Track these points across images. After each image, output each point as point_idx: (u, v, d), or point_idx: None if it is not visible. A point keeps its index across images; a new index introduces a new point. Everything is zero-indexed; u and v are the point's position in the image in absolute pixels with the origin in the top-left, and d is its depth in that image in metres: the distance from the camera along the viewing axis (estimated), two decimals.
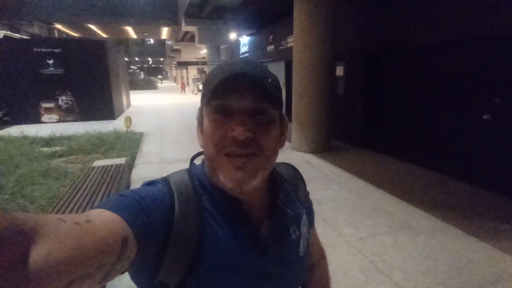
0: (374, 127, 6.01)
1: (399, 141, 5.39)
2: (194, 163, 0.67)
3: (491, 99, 3.86)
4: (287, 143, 6.23)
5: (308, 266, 0.81)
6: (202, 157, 0.64)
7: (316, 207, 0.78)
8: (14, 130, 7.61)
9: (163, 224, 0.50)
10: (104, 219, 0.42)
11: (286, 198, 0.66)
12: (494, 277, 2.30)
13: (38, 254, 0.31)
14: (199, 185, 0.58)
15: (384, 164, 5.13)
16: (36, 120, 9.54)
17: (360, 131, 6.22)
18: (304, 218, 0.69)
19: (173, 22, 16.82)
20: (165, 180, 0.57)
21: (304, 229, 0.67)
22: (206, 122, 0.55)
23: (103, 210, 0.44)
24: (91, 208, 0.47)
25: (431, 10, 4.41)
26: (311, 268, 0.83)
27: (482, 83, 3.96)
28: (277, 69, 9.73)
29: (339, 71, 6.49)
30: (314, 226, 0.82)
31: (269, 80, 0.54)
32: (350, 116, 6.40)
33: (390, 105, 5.60)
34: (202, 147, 0.59)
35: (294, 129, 5.97)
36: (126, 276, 0.53)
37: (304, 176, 0.77)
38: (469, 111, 4.15)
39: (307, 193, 0.76)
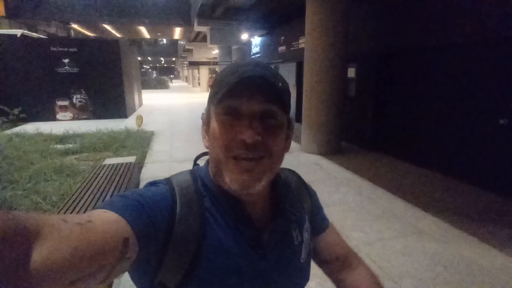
0: (385, 130, 5.92)
1: (410, 145, 5.29)
2: (198, 164, 0.67)
3: (508, 104, 3.76)
4: (297, 145, 6.20)
5: (337, 267, 0.75)
6: (205, 157, 0.64)
7: (324, 210, 0.77)
8: (30, 127, 7.80)
9: (164, 224, 0.50)
10: (105, 219, 0.42)
11: (289, 202, 0.65)
12: (507, 285, 2.24)
13: (40, 254, 0.32)
14: (202, 186, 0.58)
15: (395, 167, 5.04)
16: (51, 117, 9.80)
17: (370, 134, 6.14)
18: (307, 224, 0.68)
19: (185, 22, 16.96)
20: (168, 181, 0.58)
21: (306, 235, 0.66)
22: (213, 123, 0.55)
23: (104, 210, 0.44)
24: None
25: (444, 12, 4.32)
26: (342, 267, 0.75)
27: (498, 86, 3.85)
28: (288, 70, 9.70)
29: (351, 72, 6.42)
30: (333, 225, 0.78)
31: (280, 84, 0.53)
32: (361, 118, 6.32)
33: (402, 108, 5.50)
34: (207, 148, 0.59)
35: (304, 131, 5.94)
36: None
37: (313, 178, 0.76)
38: (485, 115, 4.04)
39: (314, 199, 0.75)
